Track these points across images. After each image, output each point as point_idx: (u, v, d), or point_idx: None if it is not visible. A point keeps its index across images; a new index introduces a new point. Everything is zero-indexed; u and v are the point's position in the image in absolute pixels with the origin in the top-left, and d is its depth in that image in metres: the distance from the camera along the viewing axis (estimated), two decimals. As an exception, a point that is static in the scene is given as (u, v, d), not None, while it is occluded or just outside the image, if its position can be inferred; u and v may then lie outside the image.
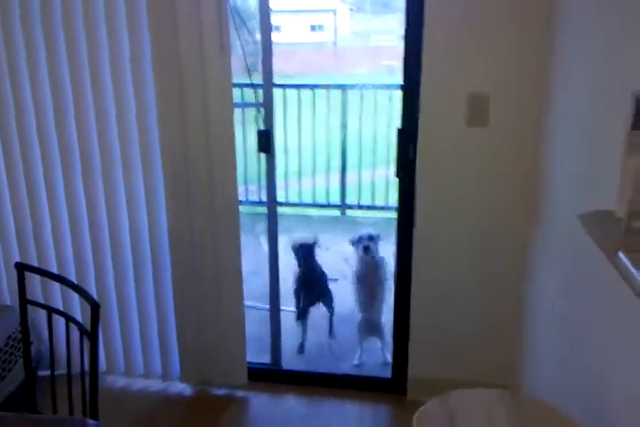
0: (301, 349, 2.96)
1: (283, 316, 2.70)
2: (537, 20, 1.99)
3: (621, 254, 1.09)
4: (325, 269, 3.32)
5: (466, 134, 2.15)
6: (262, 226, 3.14)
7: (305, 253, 3.06)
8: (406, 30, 2.11)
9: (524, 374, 2.24)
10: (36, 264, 2.44)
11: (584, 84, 1.65)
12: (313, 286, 3.08)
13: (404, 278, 2.37)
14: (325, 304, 3.11)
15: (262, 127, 2.38)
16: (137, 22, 2.12)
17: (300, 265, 3.08)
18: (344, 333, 3.09)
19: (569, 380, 1.70)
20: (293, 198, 4.78)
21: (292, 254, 3.08)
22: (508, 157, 2.15)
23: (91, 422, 1.38)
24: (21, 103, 2.28)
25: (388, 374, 2.55)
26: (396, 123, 2.25)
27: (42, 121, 2.29)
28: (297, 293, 3.09)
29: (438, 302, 2.36)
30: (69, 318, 1.69)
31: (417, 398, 2.36)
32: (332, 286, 3.29)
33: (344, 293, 3.49)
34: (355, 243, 2.96)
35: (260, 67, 2.31)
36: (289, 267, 3.23)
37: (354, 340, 2.93)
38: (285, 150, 4.55)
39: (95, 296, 2.10)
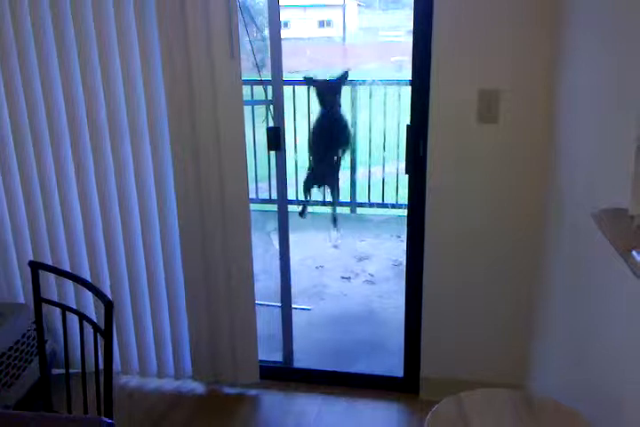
0: (302, 213, 2.67)
1: (294, 314, 2.71)
2: (547, 14, 1.98)
3: (635, 253, 1.08)
4: (336, 267, 3.29)
5: (476, 130, 2.15)
6: (273, 223, 3.15)
7: (328, 92, 2.60)
8: (415, 26, 2.10)
9: (535, 374, 2.24)
10: (49, 263, 2.47)
11: (595, 79, 1.63)
12: (332, 138, 2.68)
13: (415, 277, 2.37)
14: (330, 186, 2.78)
15: (272, 124, 2.38)
16: (146, 24, 2.12)
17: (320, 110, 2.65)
18: (357, 332, 3.09)
19: (580, 380, 1.69)
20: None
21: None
22: (519, 153, 2.14)
23: (106, 420, 1.39)
24: (33, 103, 2.30)
25: (399, 372, 2.55)
26: (406, 119, 2.25)
27: (54, 126, 2.31)
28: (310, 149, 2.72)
29: (450, 300, 2.35)
30: (83, 317, 1.70)
31: (429, 397, 2.38)
32: (341, 284, 3.22)
33: (356, 292, 3.51)
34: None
35: (268, 63, 2.31)
36: (300, 264, 3.23)
37: (365, 340, 2.93)
38: (295, 147, 4.54)
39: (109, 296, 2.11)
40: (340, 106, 2.56)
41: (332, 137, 2.58)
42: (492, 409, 1.43)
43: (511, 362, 2.35)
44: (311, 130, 2.59)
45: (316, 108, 2.59)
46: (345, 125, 2.65)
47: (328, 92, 2.50)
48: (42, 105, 2.29)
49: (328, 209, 4.83)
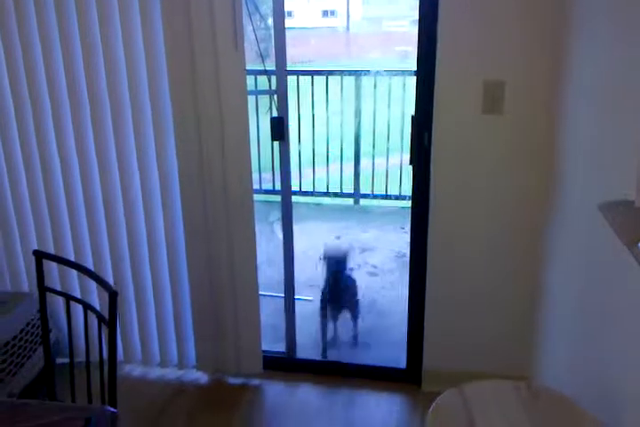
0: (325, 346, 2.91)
1: (297, 305, 2.71)
2: (553, 5, 1.96)
3: (642, 245, 1.07)
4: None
5: (481, 121, 2.13)
6: (276, 214, 3.14)
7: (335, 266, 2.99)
8: (420, 16, 2.09)
9: (538, 366, 2.24)
10: (53, 250, 2.47)
11: (601, 70, 1.62)
12: (341, 298, 3.02)
13: (418, 269, 2.37)
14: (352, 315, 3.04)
15: (276, 114, 2.37)
16: (150, 13, 2.11)
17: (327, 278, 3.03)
18: (360, 323, 3.09)
19: (583, 372, 1.69)
20: (307, 187, 4.77)
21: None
22: (524, 144, 2.13)
23: (110, 409, 1.39)
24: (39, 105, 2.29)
25: (402, 363, 2.56)
26: (410, 109, 2.24)
27: (59, 126, 2.31)
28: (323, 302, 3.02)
29: (453, 292, 2.35)
30: (87, 306, 1.70)
31: (432, 388, 2.39)
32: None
33: (359, 284, 3.49)
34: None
35: (272, 52, 2.30)
36: (303, 255, 3.21)
37: (368, 331, 2.93)
38: (299, 138, 4.53)
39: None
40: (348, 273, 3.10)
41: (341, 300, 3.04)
42: (494, 401, 1.43)
43: (514, 354, 2.36)
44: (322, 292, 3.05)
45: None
46: (353, 290, 3.06)
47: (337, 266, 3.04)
48: (44, 87, 2.28)
49: (333, 200, 4.84)
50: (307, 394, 2.51)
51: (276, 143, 2.42)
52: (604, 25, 1.61)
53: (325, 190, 4.79)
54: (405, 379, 2.54)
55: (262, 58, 2.48)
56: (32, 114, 2.32)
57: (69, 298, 1.76)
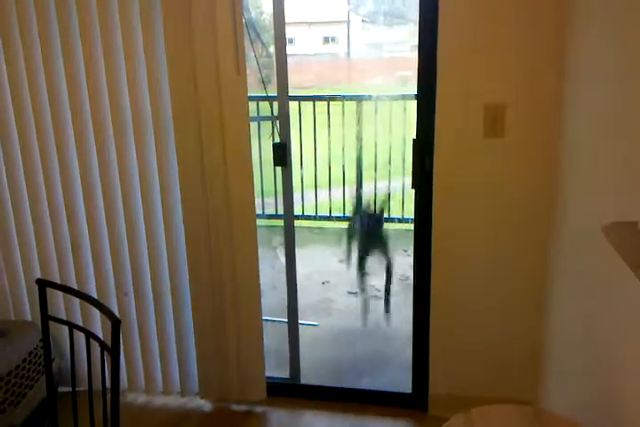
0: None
1: (302, 330, 2.69)
2: (553, 29, 1.99)
3: (647, 268, 1.07)
4: (342, 282, 3.28)
5: (483, 145, 2.14)
6: (279, 239, 3.14)
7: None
8: (420, 41, 2.12)
9: (545, 391, 2.21)
10: (56, 279, 2.47)
11: (602, 92, 1.63)
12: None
13: (422, 292, 2.35)
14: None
15: (278, 140, 2.38)
16: (153, 43, 2.14)
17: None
18: (365, 348, 3.07)
19: (591, 397, 1.66)
20: (310, 211, 4.78)
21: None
22: (526, 167, 2.14)
23: (112, 439, 1.38)
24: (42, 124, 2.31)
25: (408, 388, 2.53)
26: (412, 133, 2.25)
27: (64, 158, 2.32)
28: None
29: (458, 316, 2.33)
30: (90, 335, 1.69)
31: (438, 413, 2.35)
32: (348, 299, 3.24)
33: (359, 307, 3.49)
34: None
35: (274, 79, 2.33)
36: (307, 280, 3.20)
37: (373, 356, 2.90)
38: (301, 162, 4.55)
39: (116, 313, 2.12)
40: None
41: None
42: (501, 426, 1.41)
43: (521, 379, 2.33)
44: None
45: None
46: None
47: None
48: (48, 117, 2.31)
49: (336, 224, 4.84)
50: (312, 420, 2.47)
51: (279, 168, 2.44)
52: (609, 48, 1.62)
53: (328, 214, 4.79)
54: (411, 404, 2.51)
55: (264, 84, 2.51)
56: (37, 142, 2.34)
57: (73, 327, 1.75)
